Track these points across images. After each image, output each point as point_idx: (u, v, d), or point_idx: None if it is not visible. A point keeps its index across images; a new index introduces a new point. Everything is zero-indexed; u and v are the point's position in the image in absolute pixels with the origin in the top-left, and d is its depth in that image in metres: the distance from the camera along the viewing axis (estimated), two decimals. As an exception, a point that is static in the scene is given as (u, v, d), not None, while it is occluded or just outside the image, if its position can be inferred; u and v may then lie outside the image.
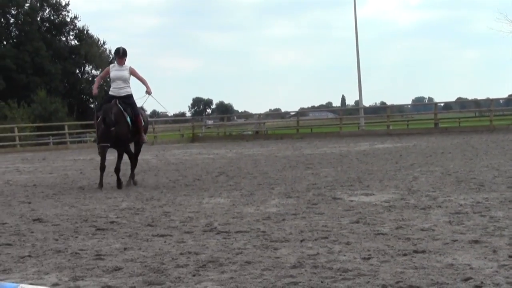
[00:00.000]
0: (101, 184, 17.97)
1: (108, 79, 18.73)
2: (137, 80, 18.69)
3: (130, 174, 19.26)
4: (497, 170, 17.83)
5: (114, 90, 18.07)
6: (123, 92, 17.99)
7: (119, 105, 17.97)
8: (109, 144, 17.49)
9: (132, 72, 18.25)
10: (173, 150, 43.71)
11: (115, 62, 18.13)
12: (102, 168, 18.14)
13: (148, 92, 18.48)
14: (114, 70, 18.05)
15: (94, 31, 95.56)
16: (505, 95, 77.26)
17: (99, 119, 17.70)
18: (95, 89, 18.75)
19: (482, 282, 6.57)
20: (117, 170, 18.25)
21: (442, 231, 9.55)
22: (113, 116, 17.37)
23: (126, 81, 18.09)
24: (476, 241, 8.67)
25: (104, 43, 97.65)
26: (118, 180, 18.12)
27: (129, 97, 18.21)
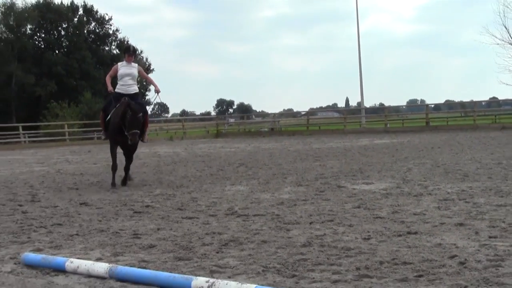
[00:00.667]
0: (113, 184, 15.68)
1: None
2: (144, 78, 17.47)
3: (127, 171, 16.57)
4: (479, 163, 17.78)
5: (122, 87, 16.11)
6: (131, 90, 16.13)
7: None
8: (138, 131, 15.13)
9: (140, 71, 16.54)
10: (199, 144, 43.70)
11: (123, 59, 16.37)
12: (115, 168, 15.84)
13: (157, 90, 16.49)
14: (122, 67, 16.17)
15: (132, 42, 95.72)
16: (487, 98, 76.96)
17: (110, 115, 15.75)
18: (110, 87, 16.20)
19: (465, 259, 6.56)
20: (127, 168, 16.23)
21: (431, 215, 9.54)
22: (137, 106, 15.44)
23: (134, 78, 16.31)
24: (461, 224, 8.66)
25: (141, 52, 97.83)
26: (124, 179, 16.15)
27: (137, 95, 16.38)
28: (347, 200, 11.50)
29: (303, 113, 79.97)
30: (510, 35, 60.25)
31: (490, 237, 7.75)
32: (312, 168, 18.78)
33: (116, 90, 16.18)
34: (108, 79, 16.18)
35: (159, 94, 16.53)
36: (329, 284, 5.85)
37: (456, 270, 6.18)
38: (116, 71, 16.14)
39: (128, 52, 16.29)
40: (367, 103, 76.63)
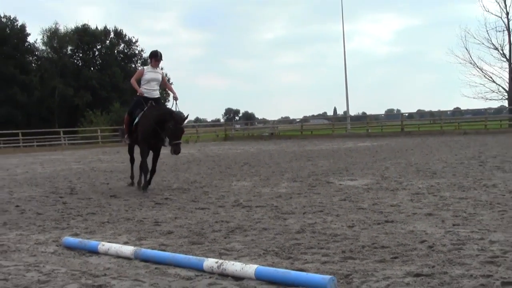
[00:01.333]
0: (146, 186, 13.46)
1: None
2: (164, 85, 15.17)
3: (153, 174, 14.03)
4: (445, 162, 17.75)
5: (147, 91, 14.14)
6: (155, 94, 14.26)
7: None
8: (181, 142, 13.05)
9: (163, 77, 14.64)
10: (210, 146, 43.68)
11: (149, 64, 14.40)
12: (146, 170, 13.49)
13: (175, 98, 14.14)
14: (149, 72, 14.14)
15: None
16: (451, 108, 77.03)
17: (138, 118, 13.60)
18: (139, 89, 13.97)
19: (433, 244, 6.55)
20: (153, 171, 13.77)
21: (405, 206, 9.52)
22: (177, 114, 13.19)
23: (159, 83, 14.41)
24: (430, 214, 8.64)
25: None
26: (149, 180, 13.69)
27: (160, 99, 14.50)
28: (334, 194, 11.48)
29: (297, 120, 79.93)
30: (470, 56, 60.46)
31: (453, 224, 7.74)
32: (305, 166, 18.76)
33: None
34: (134, 82, 14.25)
35: (176, 101, 14.22)
36: (319, 265, 5.84)
37: (426, 253, 6.17)
38: (142, 75, 14.22)
39: (156, 57, 14.28)
40: (352, 112, 77.05)
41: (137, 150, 14.30)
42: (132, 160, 15.41)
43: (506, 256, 5.91)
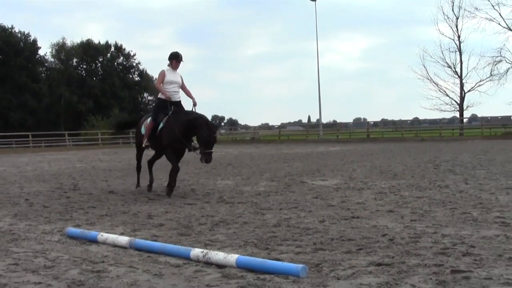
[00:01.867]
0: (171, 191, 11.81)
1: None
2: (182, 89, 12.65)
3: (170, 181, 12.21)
4: (405, 166, 17.82)
5: (173, 93, 12.20)
6: (177, 97, 12.32)
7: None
8: (213, 151, 11.62)
9: (182, 80, 12.57)
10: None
11: (170, 66, 12.32)
12: (177, 170, 11.87)
13: (194, 103, 12.19)
14: (169, 74, 12.18)
15: (150, 72, 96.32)
16: (411, 118, 77.46)
17: (163, 123, 11.84)
18: (167, 93, 11.99)
19: (393, 237, 6.57)
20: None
21: (370, 204, 9.55)
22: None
23: (179, 86, 12.37)
24: (391, 211, 8.67)
25: (156, 79, 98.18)
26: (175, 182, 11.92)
27: (180, 103, 12.42)
28: (307, 192, 11.49)
29: (276, 126, 79.95)
30: (427, 73, 60.77)
31: (411, 220, 7.77)
32: (282, 168, 18.77)
33: (161, 96, 12.21)
34: (160, 86, 12.13)
35: (195, 107, 12.30)
36: (293, 255, 5.84)
37: (387, 245, 6.19)
38: (164, 77, 12.16)
39: (177, 58, 12.36)
40: (324, 120, 77.49)
41: (146, 157, 13.42)
42: (138, 168, 13.51)
43: (455, 248, 5.95)
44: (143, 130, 12.61)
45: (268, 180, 14.22)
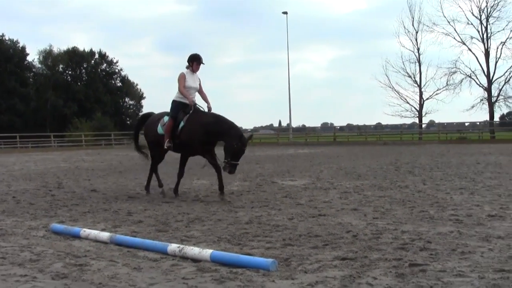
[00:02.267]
0: (176, 191, 11.27)
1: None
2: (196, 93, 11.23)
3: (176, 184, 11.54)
4: (368, 167, 17.93)
5: (189, 96, 10.85)
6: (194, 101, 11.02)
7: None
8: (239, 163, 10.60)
9: (200, 83, 11.25)
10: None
11: (189, 69, 11.00)
12: (181, 174, 11.33)
13: (209, 108, 11.05)
14: (189, 77, 10.91)
15: (131, 78, 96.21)
16: (374, 123, 78.09)
17: (184, 123, 10.71)
18: (190, 98, 10.79)
19: (357, 233, 6.61)
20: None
21: (335, 203, 9.58)
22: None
23: (197, 90, 11.12)
24: (355, 209, 8.71)
25: (136, 84, 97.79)
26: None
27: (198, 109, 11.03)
28: (278, 191, 11.50)
29: (249, 130, 79.86)
30: (390, 82, 61.00)
31: (373, 218, 7.82)
32: (254, 169, 18.79)
33: (177, 99, 10.98)
34: (184, 91, 10.82)
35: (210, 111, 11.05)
36: (264, 250, 5.84)
37: (351, 241, 6.22)
38: (185, 81, 10.86)
39: (198, 60, 11.02)
40: (294, 124, 77.72)
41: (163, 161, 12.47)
42: (154, 170, 12.17)
43: (414, 243, 6.00)
44: (160, 130, 11.14)
45: (241, 180, 14.21)
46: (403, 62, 61.23)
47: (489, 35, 56.35)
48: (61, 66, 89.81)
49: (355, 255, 5.48)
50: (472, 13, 57.43)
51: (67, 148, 54.72)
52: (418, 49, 59.78)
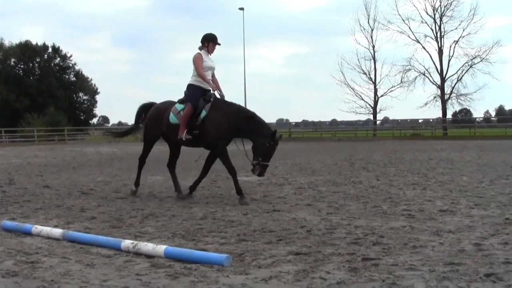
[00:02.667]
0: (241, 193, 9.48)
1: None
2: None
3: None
4: (323, 163, 18.09)
5: (202, 82, 9.67)
6: (208, 86, 9.72)
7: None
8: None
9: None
10: (132, 146, 42.75)
11: (204, 49, 9.78)
12: (235, 172, 10.01)
13: (222, 95, 9.76)
14: (206, 58, 9.70)
15: (85, 72, 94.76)
16: (329, 119, 78.65)
17: (206, 112, 9.47)
18: (213, 85, 9.66)
19: (311, 228, 6.67)
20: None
21: (290, 198, 9.66)
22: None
23: (213, 71, 9.93)
24: (309, 204, 8.80)
25: (91, 79, 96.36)
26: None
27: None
28: (232, 187, 11.45)
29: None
30: (345, 79, 61.73)
31: (327, 213, 7.90)
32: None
33: (194, 82, 9.72)
34: (204, 75, 9.59)
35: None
36: (218, 246, 5.86)
37: (305, 236, 6.28)
38: (202, 62, 9.62)
39: (214, 40, 9.85)
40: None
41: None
42: (142, 164, 11.19)
43: (367, 238, 6.10)
44: (173, 118, 9.78)
45: (194, 177, 14.12)
46: (358, 59, 62.04)
47: (442, 34, 57.63)
48: (13, 60, 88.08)
49: (309, 250, 5.53)
50: (427, 12, 58.55)
51: (19, 143, 53.69)
52: (373, 47, 60.59)
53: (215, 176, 13.93)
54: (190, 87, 9.78)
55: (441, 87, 57.54)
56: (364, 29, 61.80)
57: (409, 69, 58.40)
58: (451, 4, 56.51)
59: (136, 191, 10.60)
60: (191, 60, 9.75)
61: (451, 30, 57.64)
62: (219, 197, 9.95)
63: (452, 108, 62.92)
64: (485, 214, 7.64)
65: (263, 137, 9.37)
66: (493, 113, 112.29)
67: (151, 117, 10.35)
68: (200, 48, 9.89)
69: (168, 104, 10.15)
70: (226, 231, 6.67)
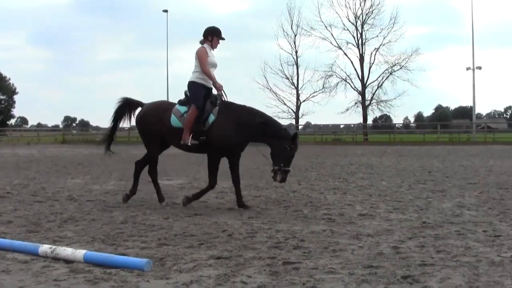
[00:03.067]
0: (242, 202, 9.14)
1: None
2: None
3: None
4: (244, 167, 18.11)
5: (205, 79, 8.98)
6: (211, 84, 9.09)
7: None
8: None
9: None
10: (50, 148, 41.85)
11: (208, 44, 9.07)
12: (212, 187, 9.51)
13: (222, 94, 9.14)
14: (209, 52, 9.02)
15: (3, 71, 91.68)
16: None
17: (215, 116, 8.84)
18: (219, 84, 8.98)
19: (232, 232, 6.73)
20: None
21: (212, 202, 9.72)
22: None
23: (216, 68, 9.25)
24: (231, 209, 8.89)
25: (9, 78, 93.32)
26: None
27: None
28: (154, 191, 11.39)
29: (126, 128, 78.46)
30: (268, 83, 62.04)
31: (249, 217, 7.98)
32: (131, 168, 18.38)
33: (196, 80, 8.94)
34: (211, 72, 8.96)
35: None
36: (139, 250, 5.83)
37: (226, 240, 6.32)
38: (207, 57, 8.92)
39: (219, 35, 9.17)
40: (172, 123, 78.68)
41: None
42: (138, 174, 10.24)
43: (287, 242, 6.20)
44: (175, 121, 9.03)
45: (117, 180, 14.00)
46: (281, 64, 62.40)
47: (363, 41, 59.07)
48: None
49: (230, 254, 5.58)
50: (349, 19, 59.69)
51: None
52: (296, 52, 61.24)
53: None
54: (192, 85, 9.02)
55: (362, 93, 58.92)
56: (287, 34, 62.22)
57: (331, 75, 59.47)
58: (372, 13, 58.08)
59: (128, 197, 9.75)
60: (194, 55, 9.06)
61: (372, 38, 59.12)
62: (140, 201, 9.86)
63: (373, 114, 64.60)
64: (403, 218, 7.90)
65: (284, 141, 8.83)
66: (412, 119, 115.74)
67: (151, 115, 9.38)
68: (202, 42, 9.18)
69: (167, 105, 9.47)
70: (147, 235, 6.64)
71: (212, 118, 8.84)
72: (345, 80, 59.35)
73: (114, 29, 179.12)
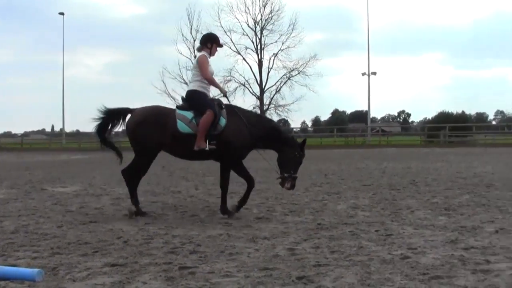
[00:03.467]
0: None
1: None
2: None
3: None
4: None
5: (208, 87, 8.99)
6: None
7: None
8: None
9: None
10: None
11: (206, 51, 8.98)
12: (227, 188, 9.29)
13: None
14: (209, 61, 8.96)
15: None
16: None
17: (226, 121, 8.58)
18: (224, 90, 9.76)
19: (128, 239, 6.67)
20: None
21: (107, 209, 9.57)
22: None
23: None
24: (127, 215, 8.71)
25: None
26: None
27: None
28: (47, 199, 11.10)
29: (19, 134, 75.68)
30: (166, 88, 61.66)
31: (145, 223, 7.93)
32: (23, 175, 17.87)
33: (199, 88, 8.72)
34: (215, 80, 9.13)
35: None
36: (30, 260, 5.66)
37: (121, 247, 6.25)
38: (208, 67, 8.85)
39: (218, 42, 9.15)
40: (68, 129, 76.29)
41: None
42: (131, 179, 9.35)
43: (184, 247, 6.21)
44: (183, 127, 8.47)
45: (8, 188, 13.47)
46: (180, 69, 62.22)
47: (262, 47, 60.09)
48: None
49: (125, 261, 5.52)
50: (248, 24, 60.38)
51: None
52: (195, 57, 61.21)
53: (29, 188, 13.33)
54: (195, 93, 8.73)
55: (261, 98, 59.79)
56: (187, 39, 62.12)
57: (230, 80, 60.01)
58: (271, 18, 59.13)
59: (138, 210, 8.77)
60: (194, 63, 9.05)
61: (271, 43, 60.15)
62: (32, 210, 9.53)
63: (271, 118, 65.51)
64: (298, 220, 8.08)
65: (292, 147, 8.73)
66: (309, 124, 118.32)
67: (150, 122, 8.64)
68: (200, 49, 9.08)
69: (165, 110, 8.90)
70: (39, 245, 6.45)
71: (223, 121, 8.59)
72: (244, 85, 60.11)
73: (5, 30, 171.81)
